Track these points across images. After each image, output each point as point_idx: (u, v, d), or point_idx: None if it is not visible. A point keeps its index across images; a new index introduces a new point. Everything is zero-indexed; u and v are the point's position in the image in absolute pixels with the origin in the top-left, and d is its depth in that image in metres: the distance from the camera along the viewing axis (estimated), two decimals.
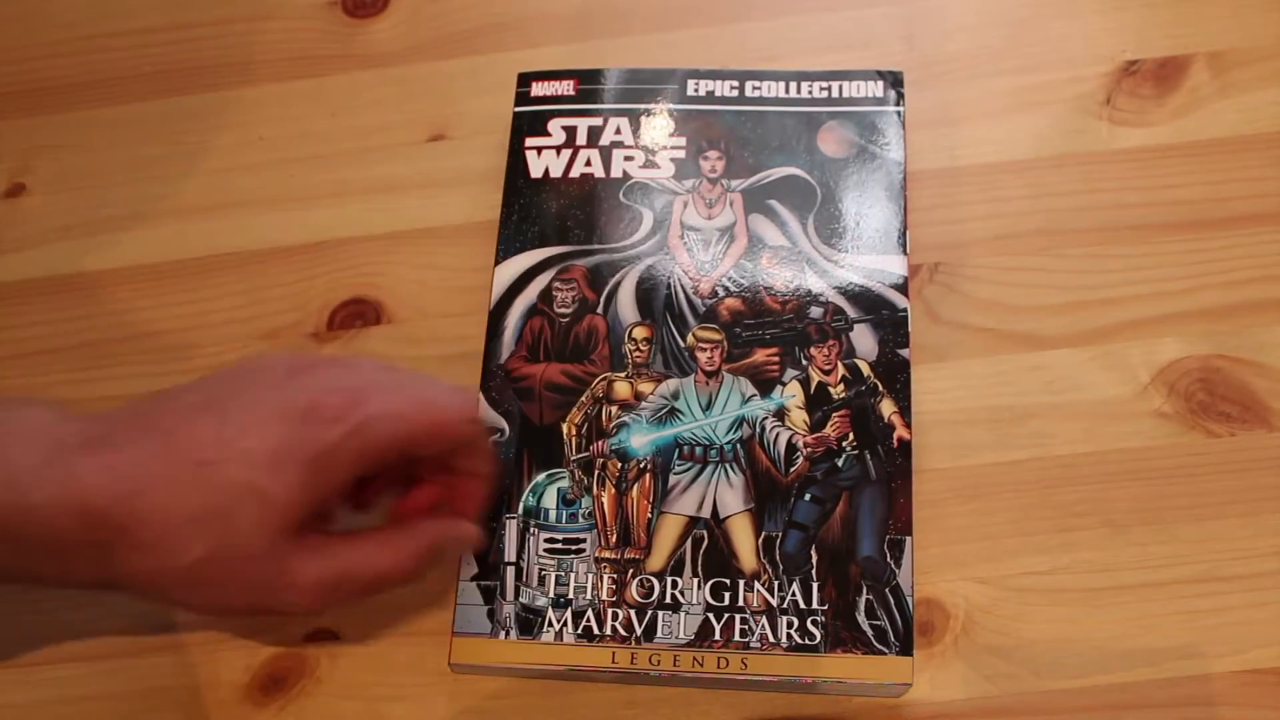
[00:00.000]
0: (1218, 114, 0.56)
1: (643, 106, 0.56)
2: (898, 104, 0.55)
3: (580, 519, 0.49)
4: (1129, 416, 0.51)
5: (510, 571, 0.48)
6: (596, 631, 0.47)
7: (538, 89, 0.57)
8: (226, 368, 0.43)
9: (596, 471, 0.49)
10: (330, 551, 0.41)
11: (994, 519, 0.49)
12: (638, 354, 0.51)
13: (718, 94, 0.56)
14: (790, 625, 0.46)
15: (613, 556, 0.48)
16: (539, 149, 0.55)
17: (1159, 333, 0.52)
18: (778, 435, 0.49)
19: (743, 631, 0.46)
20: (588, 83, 0.56)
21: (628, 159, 0.55)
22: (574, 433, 0.50)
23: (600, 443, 0.50)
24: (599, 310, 0.52)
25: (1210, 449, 0.50)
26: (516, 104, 0.56)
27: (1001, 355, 0.52)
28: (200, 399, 0.41)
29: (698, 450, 0.49)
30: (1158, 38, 0.58)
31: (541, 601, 0.47)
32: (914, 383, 0.50)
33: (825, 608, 0.46)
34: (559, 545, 0.48)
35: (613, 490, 0.49)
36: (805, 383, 0.50)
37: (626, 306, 0.52)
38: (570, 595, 0.47)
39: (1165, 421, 0.50)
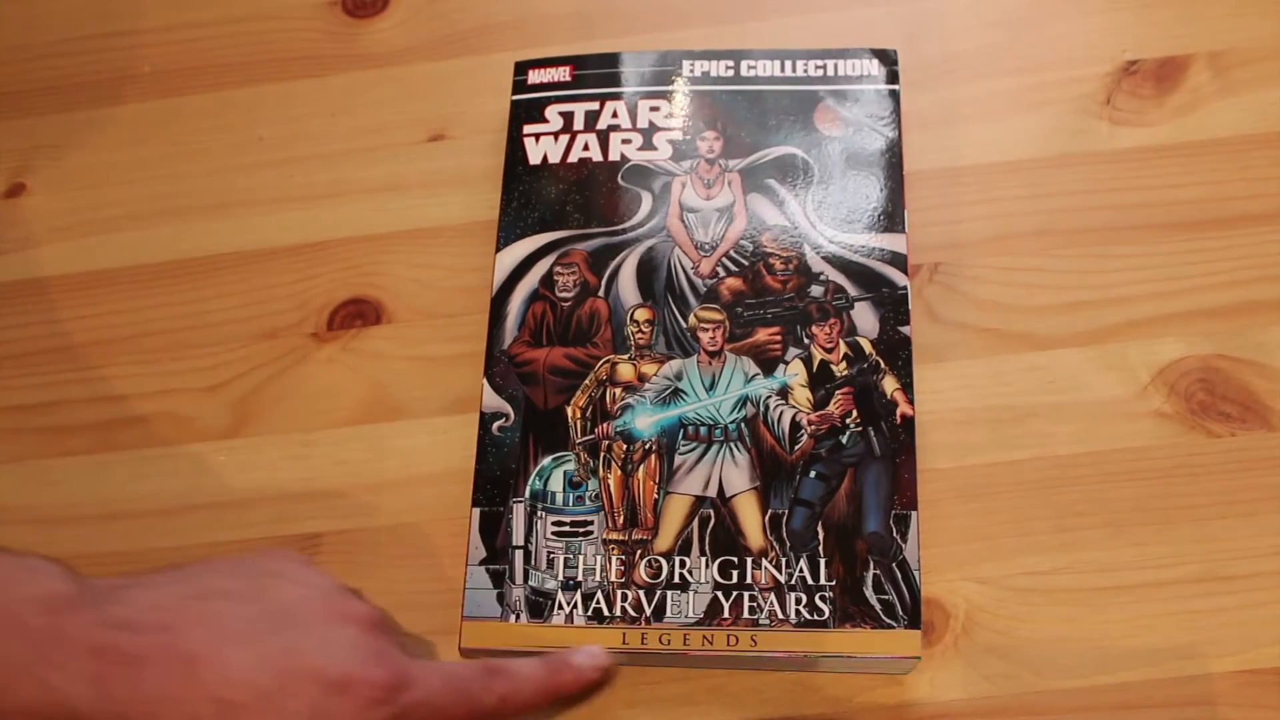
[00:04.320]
0: (1218, 114, 0.56)
1: (639, 89, 0.56)
2: (892, 81, 0.55)
3: (587, 501, 0.49)
4: (1129, 416, 0.51)
5: (519, 555, 0.48)
6: (606, 613, 0.47)
7: (534, 76, 0.57)
8: (258, 563, 0.40)
9: (602, 454, 0.49)
10: None
11: (994, 519, 0.49)
12: (640, 336, 0.51)
13: (713, 74, 0.56)
14: (799, 601, 0.46)
15: (620, 538, 0.48)
16: (537, 135, 0.55)
17: (1159, 333, 0.52)
18: (782, 413, 0.49)
19: (752, 609, 0.46)
20: (584, 68, 0.57)
21: (625, 142, 0.55)
22: (579, 416, 0.50)
23: (605, 425, 0.50)
24: (600, 293, 0.52)
25: (1210, 449, 0.50)
26: (514, 92, 0.56)
27: (1001, 355, 0.52)
28: (235, 617, 0.38)
29: (702, 430, 0.49)
30: (1158, 38, 0.58)
31: (551, 584, 0.47)
32: (914, 383, 0.50)
33: (833, 583, 0.46)
34: (566, 528, 0.48)
35: (619, 472, 0.49)
36: (808, 361, 0.50)
37: (628, 289, 0.52)
38: (579, 577, 0.47)
39: (1165, 421, 0.50)
